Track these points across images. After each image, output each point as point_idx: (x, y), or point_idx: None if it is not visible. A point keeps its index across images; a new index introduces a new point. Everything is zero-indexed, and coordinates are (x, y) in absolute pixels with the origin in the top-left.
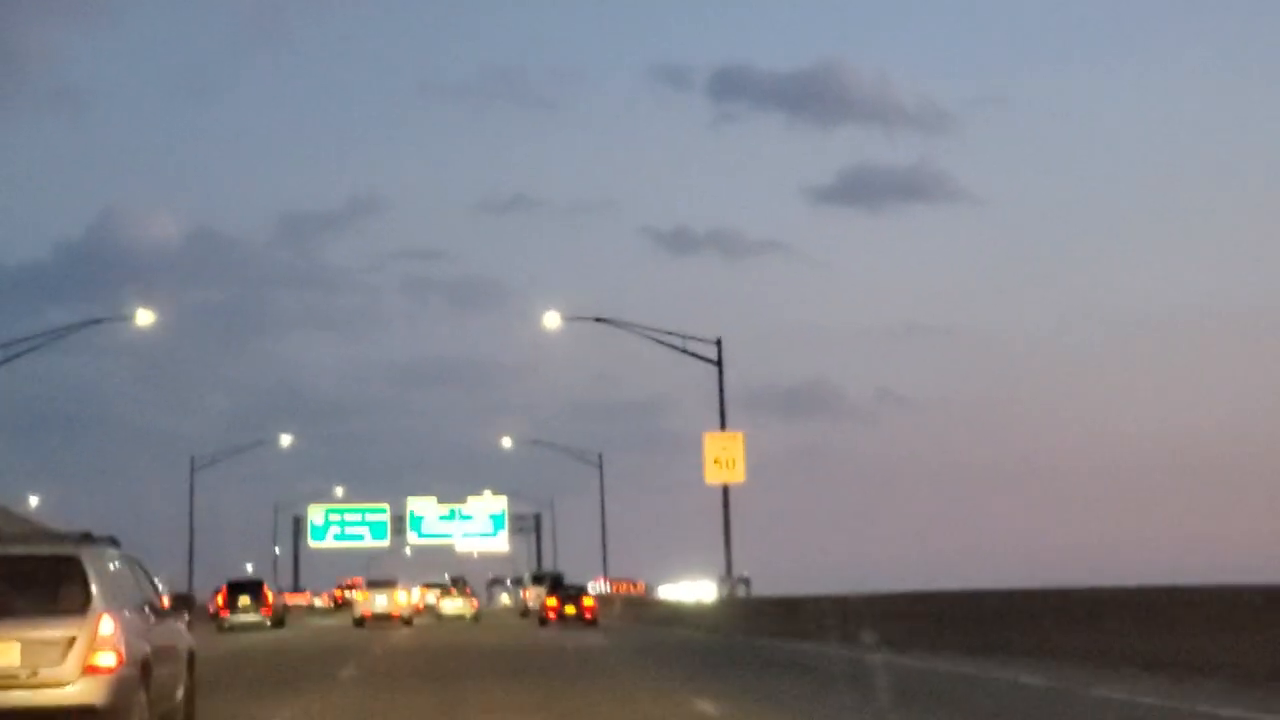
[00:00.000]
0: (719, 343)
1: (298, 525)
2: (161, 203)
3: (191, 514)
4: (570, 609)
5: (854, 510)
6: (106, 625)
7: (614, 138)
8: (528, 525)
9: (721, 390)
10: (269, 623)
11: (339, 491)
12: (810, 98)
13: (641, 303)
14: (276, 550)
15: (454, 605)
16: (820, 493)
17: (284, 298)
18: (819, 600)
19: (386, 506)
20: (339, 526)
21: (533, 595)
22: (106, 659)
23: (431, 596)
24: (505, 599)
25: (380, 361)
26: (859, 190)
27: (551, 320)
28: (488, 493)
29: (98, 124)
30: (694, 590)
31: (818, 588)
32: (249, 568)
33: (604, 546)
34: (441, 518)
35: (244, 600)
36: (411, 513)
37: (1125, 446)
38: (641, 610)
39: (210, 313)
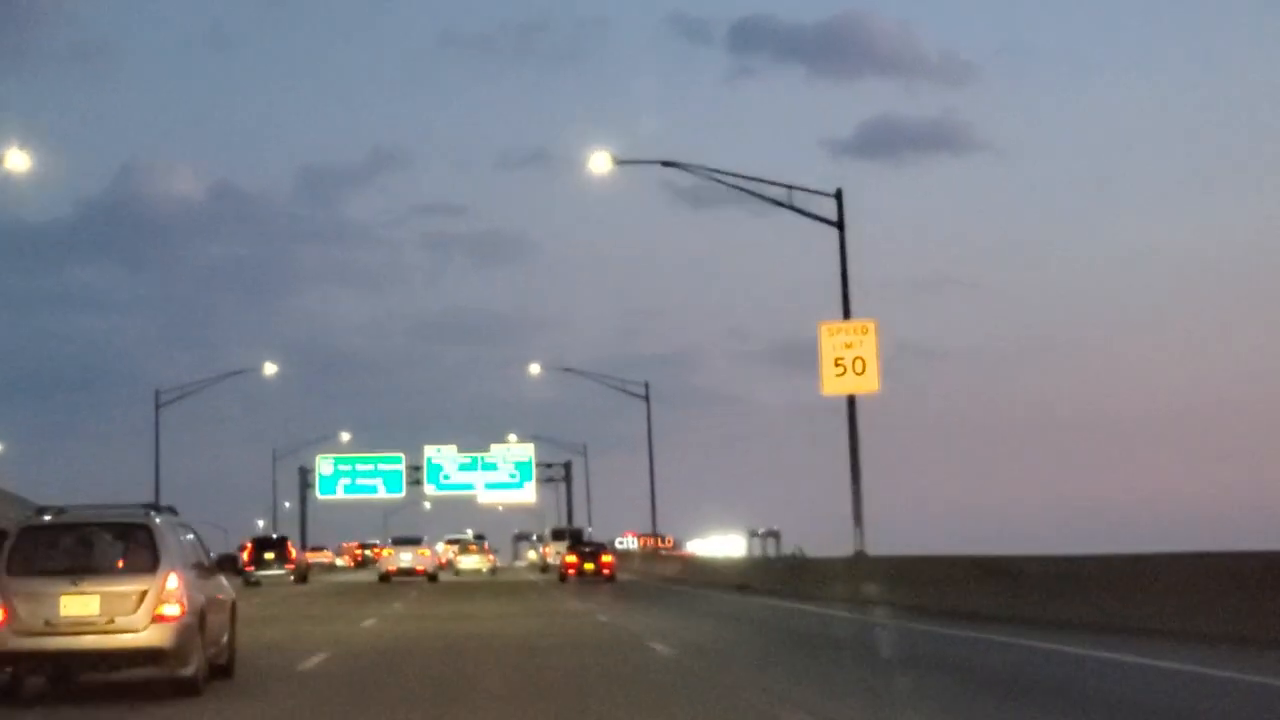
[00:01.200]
0: (839, 195)
1: (304, 477)
2: (183, 158)
3: (157, 456)
4: (589, 565)
5: (879, 463)
6: (172, 581)
7: (635, 91)
8: (557, 475)
9: (844, 259)
10: (292, 577)
11: (345, 437)
12: (831, 50)
13: (665, 255)
14: (286, 505)
15: (470, 561)
16: (844, 446)
17: (306, 253)
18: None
19: (402, 455)
20: (349, 478)
21: (552, 551)
22: (172, 609)
23: (452, 552)
24: (532, 555)
25: (402, 316)
26: (881, 143)
27: (600, 163)
28: (513, 438)
29: (118, 79)
30: (722, 545)
31: (846, 542)
32: (259, 524)
33: (652, 494)
34: (462, 467)
35: (269, 555)
36: (429, 461)
37: (1155, 398)
38: (663, 566)
39: (232, 268)
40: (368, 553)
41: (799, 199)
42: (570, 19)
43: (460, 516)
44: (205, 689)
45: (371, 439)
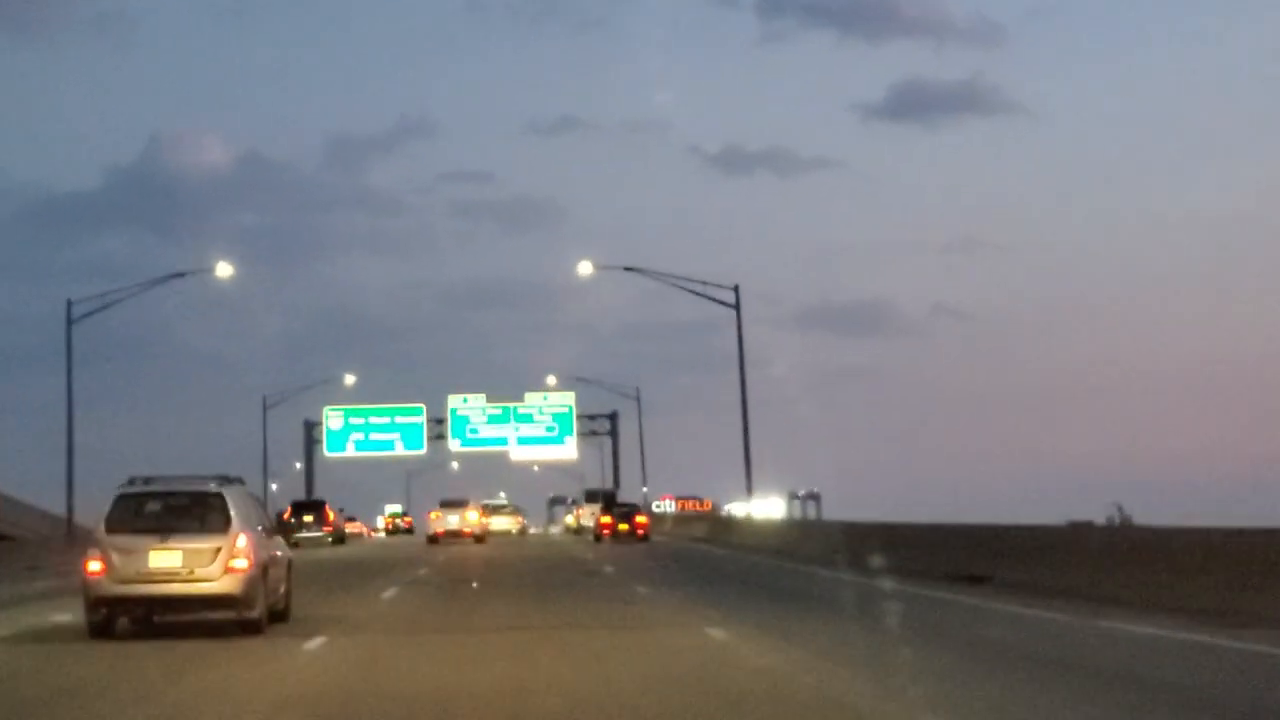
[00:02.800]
0: None
1: (310, 432)
2: (210, 127)
3: (69, 384)
4: (624, 526)
5: (912, 427)
6: (241, 540)
7: (662, 57)
8: (600, 429)
9: None
10: (330, 539)
11: (349, 380)
12: (859, 13)
13: (693, 221)
14: (298, 466)
15: (501, 523)
16: (878, 410)
17: (334, 221)
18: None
19: (422, 407)
20: (362, 432)
21: (586, 513)
22: (241, 563)
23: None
24: (569, 520)
25: (432, 284)
26: (911, 106)
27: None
28: (551, 380)
29: (144, 49)
30: (761, 508)
31: (878, 509)
32: (272, 487)
33: (746, 435)
34: (492, 419)
35: (308, 518)
36: (453, 413)
37: (1187, 360)
38: (695, 527)
39: (260, 237)
40: (398, 521)
41: None
42: None
43: (491, 478)
44: (266, 629)
45: (387, 392)
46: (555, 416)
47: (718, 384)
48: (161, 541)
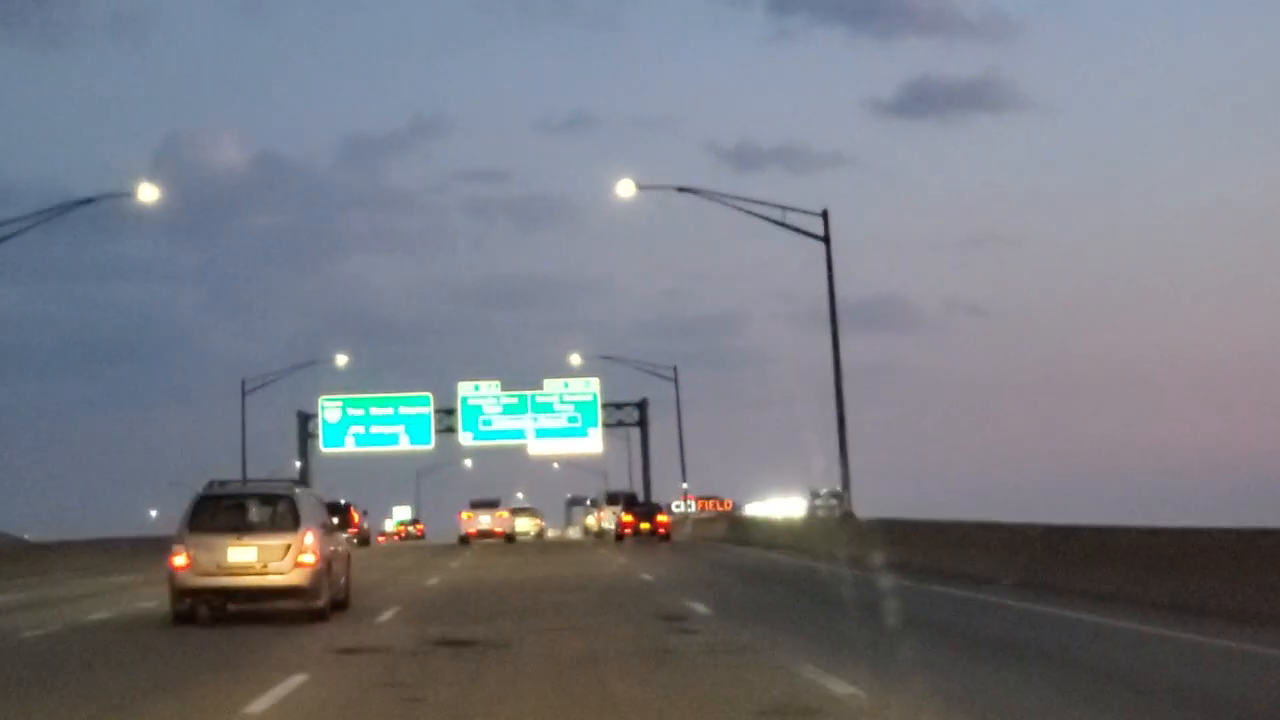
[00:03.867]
0: None
1: (305, 425)
2: (225, 127)
3: None
4: (645, 525)
5: (929, 423)
6: (309, 537)
7: (674, 54)
8: (628, 419)
9: None
10: (355, 541)
11: (341, 360)
12: (870, 10)
13: (708, 218)
14: (297, 465)
15: (522, 524)
16: (895, 405)
17: (349, 220)
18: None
19: (429, 396)
20: (362, 425)
21: (607, 515)
22: (308, 558)
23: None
24: (589, 520)
25: (447, 282)
26: (924, 102)
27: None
28: (575, 359)
29: (159, 50)
30: (783, 507)
31: (891, 507)
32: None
33: (840, 406)
34: (507, 409)
35: (334, 520)
36: (464, 402)
37: (1205, 352)
38: (717, 528)
39: (277, 236)
40: (410, 529)
41: None
42: None
43: (506, 475)
44: (330, 617)
45: (397, 389)
46: (578, 405)
47: (732, 382)
48: (239, 539)
